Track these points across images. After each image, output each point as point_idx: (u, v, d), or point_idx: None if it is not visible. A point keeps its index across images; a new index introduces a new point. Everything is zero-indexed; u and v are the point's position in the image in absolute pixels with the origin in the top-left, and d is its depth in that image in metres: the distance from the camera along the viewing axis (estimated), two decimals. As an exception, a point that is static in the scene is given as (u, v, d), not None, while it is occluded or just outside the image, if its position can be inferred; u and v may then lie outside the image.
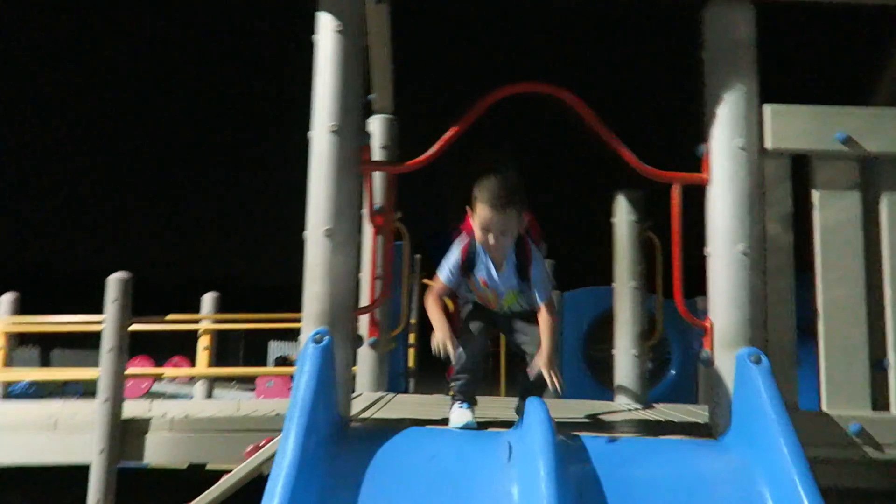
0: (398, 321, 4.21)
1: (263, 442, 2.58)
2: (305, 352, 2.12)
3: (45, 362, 14.46)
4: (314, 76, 2.31)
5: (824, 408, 2.25)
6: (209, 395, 6.95)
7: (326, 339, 2.14)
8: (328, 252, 2.24)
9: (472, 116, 2.34)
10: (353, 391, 3.86)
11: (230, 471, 2.73)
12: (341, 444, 2.03)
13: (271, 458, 2.50)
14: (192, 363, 8.91)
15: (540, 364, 2.23)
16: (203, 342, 6.80)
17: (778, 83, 2.49)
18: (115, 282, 5.01)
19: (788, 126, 2.32)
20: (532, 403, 2.11)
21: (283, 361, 11.63)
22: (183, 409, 5.84)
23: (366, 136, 2.36)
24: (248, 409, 5.76)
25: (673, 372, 6.64)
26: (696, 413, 3.37)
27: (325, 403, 2.06)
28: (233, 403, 6.41)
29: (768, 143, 2.31)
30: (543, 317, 2.35)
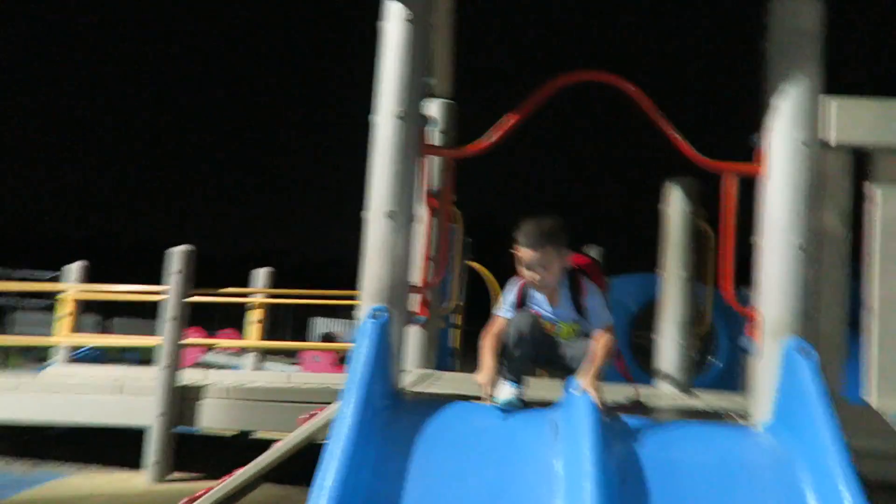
0: (448, 302, 4.31)
1: (316, 410, 2.71)
2: (364, 327, 2.23)
3: (104, 329, 15.09)
4: (380, 62, 2.39)
5: (873, 400, 2.26)
6: (259, 366, 7.18)
7: (384, 315, 2.25)
8: (389, 233, 2.34)
9: (532, 104, 2.39)
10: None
11: (278, 439, 2.87)
12: (395, 414, 2.14)
13: (325, 426, 2.64)
14: (241, 335, 9.24)
15: (582, 381, 2.24)
16: (255, 315, 7.02)
17: (840, 74, 2.46)
18: (178, 254, 5.24)
19: (853, 119, 2.31)
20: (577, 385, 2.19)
21: (328, 338, 11.89)
22: (236, 379, 6.10)
23: (428, 121, 2.44)
24: (297, 381, 5.96)
25: (719, 363, 6.59)
26: (738, 402, 3.38)
27: (381, 376, 2.17)
28: (283, 375, 6.64)
29: (831, 137, 2.31)
30: (600, 337, 2.39)
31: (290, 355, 11.96)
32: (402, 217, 2.35)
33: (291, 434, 2.67)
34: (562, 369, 2.54)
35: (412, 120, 2.36)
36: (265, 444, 3.05)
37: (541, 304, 2.53)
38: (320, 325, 16.03)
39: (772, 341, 2.24)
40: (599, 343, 2.37)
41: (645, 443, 2.05)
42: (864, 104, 2.33)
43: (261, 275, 7.13)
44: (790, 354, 2.15)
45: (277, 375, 6.61)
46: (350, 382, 2.06)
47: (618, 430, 2.10)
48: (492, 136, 2.44)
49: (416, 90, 2.38)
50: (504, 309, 2.53)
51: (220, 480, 2.73)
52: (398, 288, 2.34)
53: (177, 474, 5.11)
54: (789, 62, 2.27)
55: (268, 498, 4.61)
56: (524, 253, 2.41)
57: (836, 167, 2.35)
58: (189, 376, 5.53)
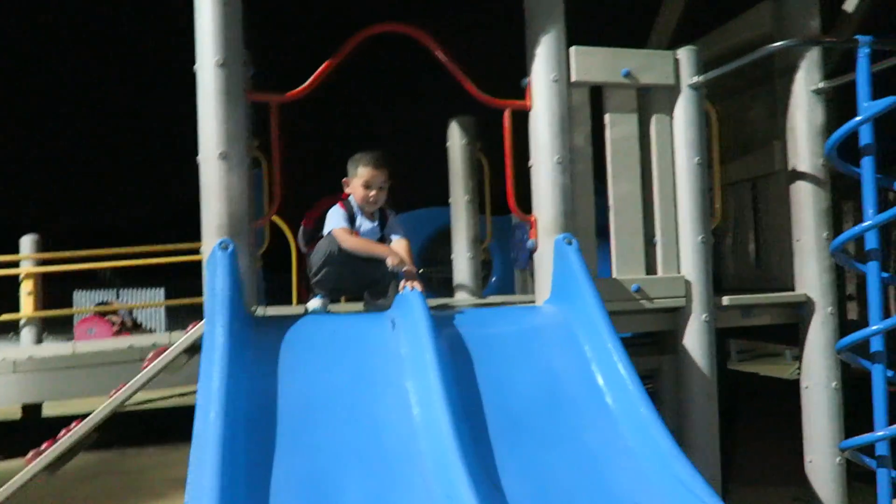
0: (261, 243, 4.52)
1: (158, 351, 2.83)
2: (214, 258, 2.46)
3: None
4: (196, 14, 2.55)
5: (615, 274, 3.05)
6: (39, 341, 6.66)
7: (231, 246, 2.49)
8: (223, 173, 2.55)
9: (344, 53, 2.74)
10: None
11: (74, 415, 2.82)
12: (256, 329, 2.43)
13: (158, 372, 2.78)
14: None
15: (406, 282, 2.70)
16: (26, 287, 6.47)
17: (578, 28, 3.12)
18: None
19: (588, 63, 3.00)
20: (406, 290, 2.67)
21: (105, 306, 11.05)
22: (22, 352, 5.67)
23: (249, 68, 2.66)
24: (84, 348, 5.73)
25: (494, 278, 7.60)
26: (521, 300, 4.16)
27: (237, 299, 2.43)
28: (67, 345, 6.27)
29: (574, 77, 2.97)
30: (402, 241, 2.95)
31: (57, 332, 10.96)
32: (234, 158, 2.57)
33: (137, 376, 2.77)
34: (369, 285, 3.04)
35: (234, 67, 2.57)
36: (59, 421, 3.03)
37: (363, 220, 2.97)
38: (85, 298, 14.71)
39: (546, 237, 2.90)
40: (405, 247, 2.90)
41: (464, 324, 2.59)
42: (596, 51, 3.02)
43: (27, 242, 6.53)
44: (559, 245, 2.82)
45: (62, 345, 6.22)
46: (212, 305, 2.30)
47: (441, 318, 2.61)
48: (308, 83, 2.74)
49: (234, 37, 2.57)
50: (341, 222, 2.90)
51: (64, 432, 2.74)
52: (238, 223, 2.58)
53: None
54: (543, 19, 2.88)
55: (87, 464, 4.54)
56: (371, 173, 2.88)
57: (579, 100, 3.04)
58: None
